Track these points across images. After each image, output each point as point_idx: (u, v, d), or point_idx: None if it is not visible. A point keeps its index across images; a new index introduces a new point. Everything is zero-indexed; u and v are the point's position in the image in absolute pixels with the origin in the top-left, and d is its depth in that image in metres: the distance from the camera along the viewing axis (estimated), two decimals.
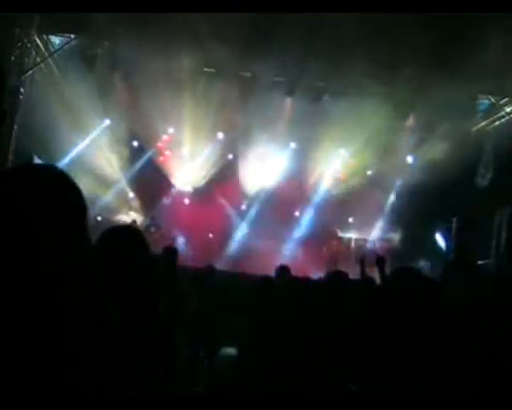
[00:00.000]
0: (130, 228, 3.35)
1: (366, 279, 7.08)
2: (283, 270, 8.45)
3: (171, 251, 9.12)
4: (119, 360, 2.09)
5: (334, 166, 20.40)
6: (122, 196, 20.83)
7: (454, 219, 17.66)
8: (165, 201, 20.81)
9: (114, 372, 1.97)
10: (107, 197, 20.03)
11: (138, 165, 20.80)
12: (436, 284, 4.46)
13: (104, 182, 19.83)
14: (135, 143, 20.64)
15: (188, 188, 20.93)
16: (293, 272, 8.41)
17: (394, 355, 3.77)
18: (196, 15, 14.00)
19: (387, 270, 6.41)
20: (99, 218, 19.09)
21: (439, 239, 19.79)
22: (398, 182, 20.52)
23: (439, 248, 19.45)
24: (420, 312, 3.85)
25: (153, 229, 19.72)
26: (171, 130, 20.20)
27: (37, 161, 17.51)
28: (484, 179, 18.43)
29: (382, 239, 20.18)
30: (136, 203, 21.00)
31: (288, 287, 6.87)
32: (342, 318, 5.65)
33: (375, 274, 7.02)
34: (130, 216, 20.51)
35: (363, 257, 7.82)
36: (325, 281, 6.57)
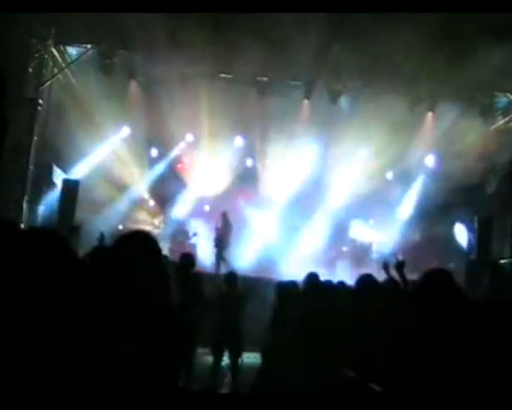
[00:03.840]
0: (140, 233, 3.35)
1: (391, 282, 7.01)
2: (311, 277, 8.39)
3: (188, 258, 9.12)
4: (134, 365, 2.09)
5: (355, 167, 20.27)
6: (142, 203, 20.88)
7: (476, 219, 17.49)
8: (186, 208, 20.78)
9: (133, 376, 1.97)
10: (128, 206, 20.07)
11: (157, 172, 20.84)
12: (460, 285, 4.40)
13: (124, 190, 19.88)
14: (154, 151, 20.69)
15: (208, 194, 20.89)
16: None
17: (421, 357, 3.73)
18: (212, 22, 14.07)
19: (408, 273, 6.37)
20: (120, 226, 19.14)
21: (459, 238, 19.66)
22: (419, 182, 20.41)
23: (460, 247, 19.31)
24: (450, 314, 3.81)
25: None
26: (189, 137, 20.22)
27: (56, 170, 17.62)
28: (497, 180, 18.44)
29: (403, 241, 20.06)
30: (156, 211, 21.04)
31: (314, 291, 6.84)
32: (368, 320, 5.60)
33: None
34: (152, 225, 20.51)
35: (387, 263, 7.71)
36: (355, 284, 6.52)
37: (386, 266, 7.44)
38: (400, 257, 8.93)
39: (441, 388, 3.48)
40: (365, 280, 6.27)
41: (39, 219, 17.31)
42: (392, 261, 7.14)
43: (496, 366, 3.49)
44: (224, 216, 18.49)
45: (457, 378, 3.39)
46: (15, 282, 1.81)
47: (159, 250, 3.28)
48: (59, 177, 17.59)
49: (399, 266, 6.64)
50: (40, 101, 17.30)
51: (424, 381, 3.55)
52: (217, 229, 18.29)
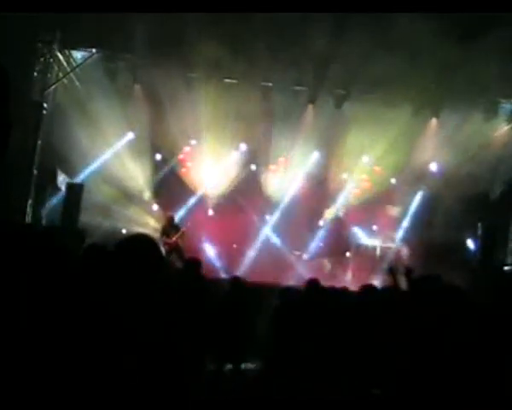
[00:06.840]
0: (141, 237, 3.36)
1: (393, 288, 7.01)
2: (313, 283, 8.35)
3: (195, 263, 9.09)
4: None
5: (358, 173, 20.29)
6: (146, 208, 20.85)
7: (479, 226, 17.46)
8: (189, 212, 20.73)
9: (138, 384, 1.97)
10: (131, 210, 20.05)
11: (161, 177, 20.86)
12: (462, 291, 4.39)
13: (127, 194, 19.86)
14: (157, 156, 20.70)
15: (211, 199, 20.89)
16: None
17: (419, 361, 3.73)
18: (216, 27, 14.09)
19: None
20: (124, 231, 19.10)
21: (469, 244, 19.58)
22: (422, 188, 20.38)
23: (465, 254, 19.26)
24: (447, 319, 3.80)
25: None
26: (193, 141, 20.24)
27: (61, 175, 17.64)
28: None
29: (406, 247, 20.01)
30: (160, 215, 21.01)
31: (315, 297, 6.83)
32: (369, 326, 5.60)
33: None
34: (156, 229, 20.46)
35: (393, 267, 7.66)
36: (356, 294, 6.52)
37: (392, 271, 7.42)
38: (408, 264, 8.91)
39: (442, 390, 3.47)
40: (368, 290, 6.28)
41: (43, 222, 17.33)
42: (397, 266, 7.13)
43: (499, 370, 3.48)
44: (171, 218, 18.37)
45: (460, 381, 3.39)
46: (23, 284, 1.80)
47: (160, 254, 3.28)
48: (63, 181, 17.61)
49: (408, 272, 6.64)
50: (45, 104, 17.35)
51: (425, 383, 3.55)
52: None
